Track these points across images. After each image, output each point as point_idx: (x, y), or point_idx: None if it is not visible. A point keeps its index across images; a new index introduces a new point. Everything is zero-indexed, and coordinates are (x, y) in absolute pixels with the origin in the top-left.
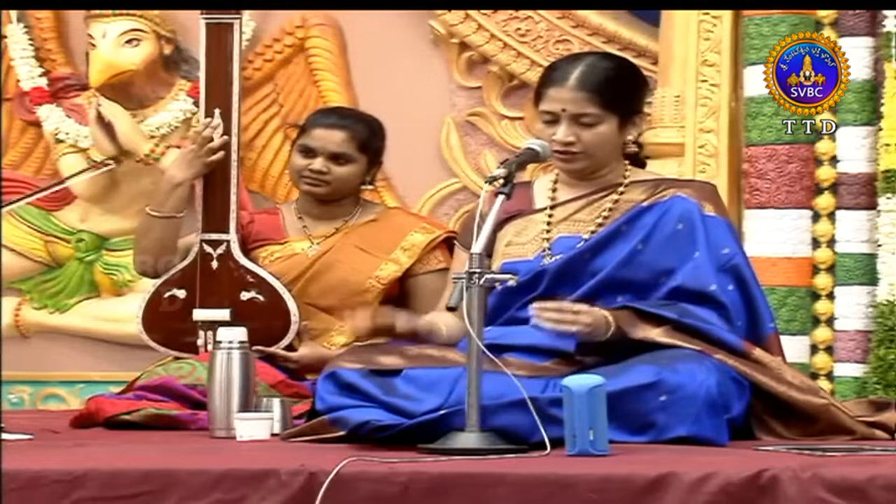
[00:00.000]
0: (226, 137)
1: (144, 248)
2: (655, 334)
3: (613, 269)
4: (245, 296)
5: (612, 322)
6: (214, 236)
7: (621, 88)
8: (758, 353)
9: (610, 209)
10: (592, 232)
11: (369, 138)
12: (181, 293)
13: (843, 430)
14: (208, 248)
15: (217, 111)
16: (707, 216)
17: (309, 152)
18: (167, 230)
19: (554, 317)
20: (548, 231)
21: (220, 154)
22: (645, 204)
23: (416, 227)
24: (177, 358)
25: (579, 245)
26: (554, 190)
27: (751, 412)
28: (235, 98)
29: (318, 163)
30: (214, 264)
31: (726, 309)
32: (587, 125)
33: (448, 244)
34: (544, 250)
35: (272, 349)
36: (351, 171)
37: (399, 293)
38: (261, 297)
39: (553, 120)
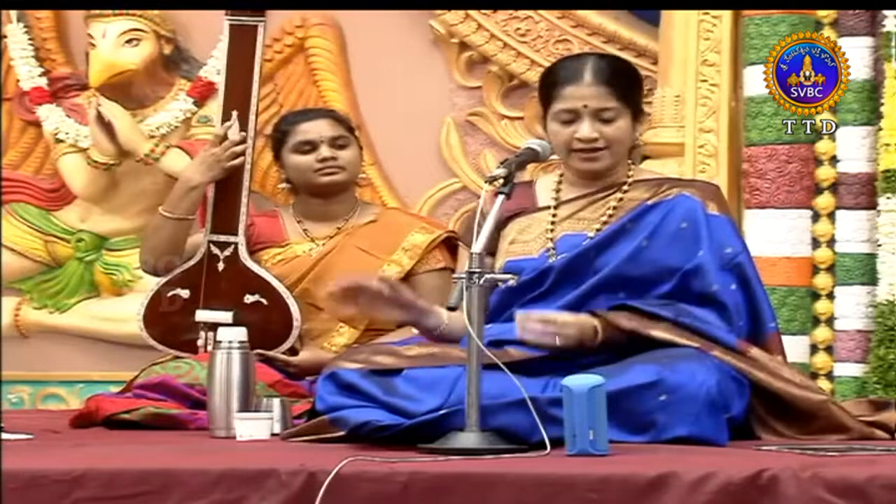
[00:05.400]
0: (248, 143)
1: (153, 248)
2: (653, 331)
3: (617, 266)
4: (249, 298)
5: (600, 329)
6: (223, 238)
7: (632, 83)
8: (754, 351)
9: (614, 207)
10: (597, 230)
11: (347, 120)
12: (184, 293)
13: (841, 428)
14: (216, 250)
15: (234, 113)
16: (711, 215)
17: (308, 146)
18: (178, 231)
19: (538, 328)
20: (552, 229)
21: (241, 159)
22: (650, 202)
23: (416, 228)
24: (176, 357)
25: (585, 243)
26: (558, 190)
27: (751, 411)
28: (254, 101)
29: (324, 150)
30: (221, 266)
31: (727, 310)
32: (608, 120)
33: (447, 244)
34: (549, 248)
35: (272, 353)
36: (353, 154)
37: None
38: (264, 301)
39: (571, 119)
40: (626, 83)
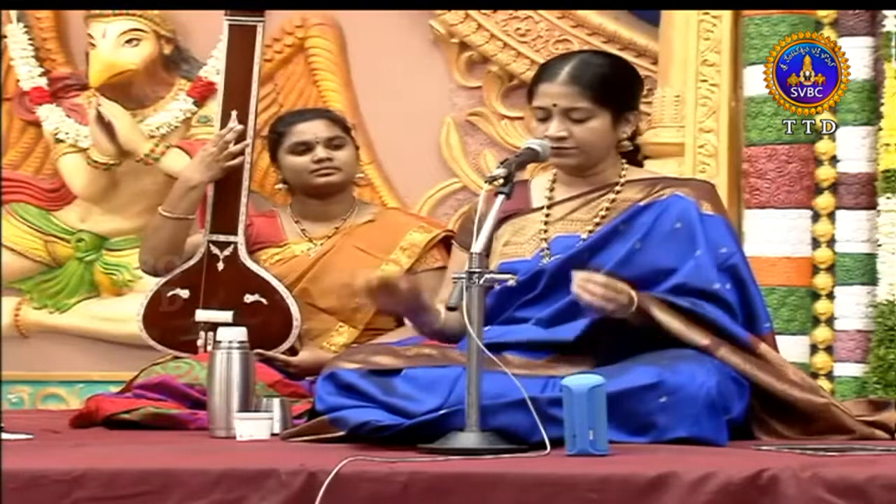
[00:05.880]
0: (247, 141)
1: (152, 248)
2: (667, 319)
3: (612, 268)
4: (248, 298)
5: (636, 300)
6: (222, 238)
7: (613, 84)
8: (763, 348)
9: (607, 208)
10: (590, 231)
11: (343, 120)
12: (184, 293)
13: (843, 430)
14: (215, 250)
15: (234, 113)
16: (705, 215)
17: (303, 147)
18: (178, 231)
19: (599, 291)
20: (545, 230)
21: (240, 159)
22: (642, 203)
23: (415, 227)
24: (175, 357)
25: (578, 245)
26: (551, 189)
27: (751, 412)
28: (253, 101)
29: (319, 151)
30: (220, 265)
31: (731, 308)
32: (578, 120)
33: (446, 243)
34: (543, 250)
35: (272, 353)
36: (349, 154)
37: None
38: (264, 300)
39: (545, 116)
40: (607, 84)
